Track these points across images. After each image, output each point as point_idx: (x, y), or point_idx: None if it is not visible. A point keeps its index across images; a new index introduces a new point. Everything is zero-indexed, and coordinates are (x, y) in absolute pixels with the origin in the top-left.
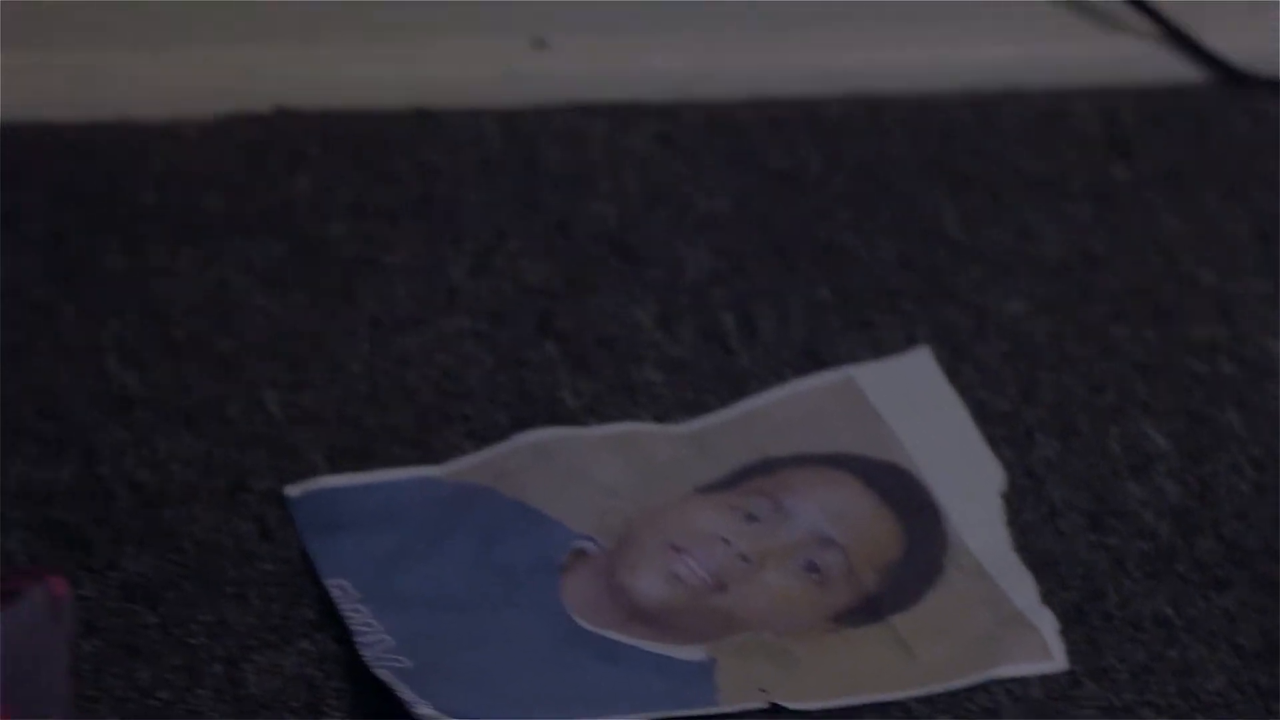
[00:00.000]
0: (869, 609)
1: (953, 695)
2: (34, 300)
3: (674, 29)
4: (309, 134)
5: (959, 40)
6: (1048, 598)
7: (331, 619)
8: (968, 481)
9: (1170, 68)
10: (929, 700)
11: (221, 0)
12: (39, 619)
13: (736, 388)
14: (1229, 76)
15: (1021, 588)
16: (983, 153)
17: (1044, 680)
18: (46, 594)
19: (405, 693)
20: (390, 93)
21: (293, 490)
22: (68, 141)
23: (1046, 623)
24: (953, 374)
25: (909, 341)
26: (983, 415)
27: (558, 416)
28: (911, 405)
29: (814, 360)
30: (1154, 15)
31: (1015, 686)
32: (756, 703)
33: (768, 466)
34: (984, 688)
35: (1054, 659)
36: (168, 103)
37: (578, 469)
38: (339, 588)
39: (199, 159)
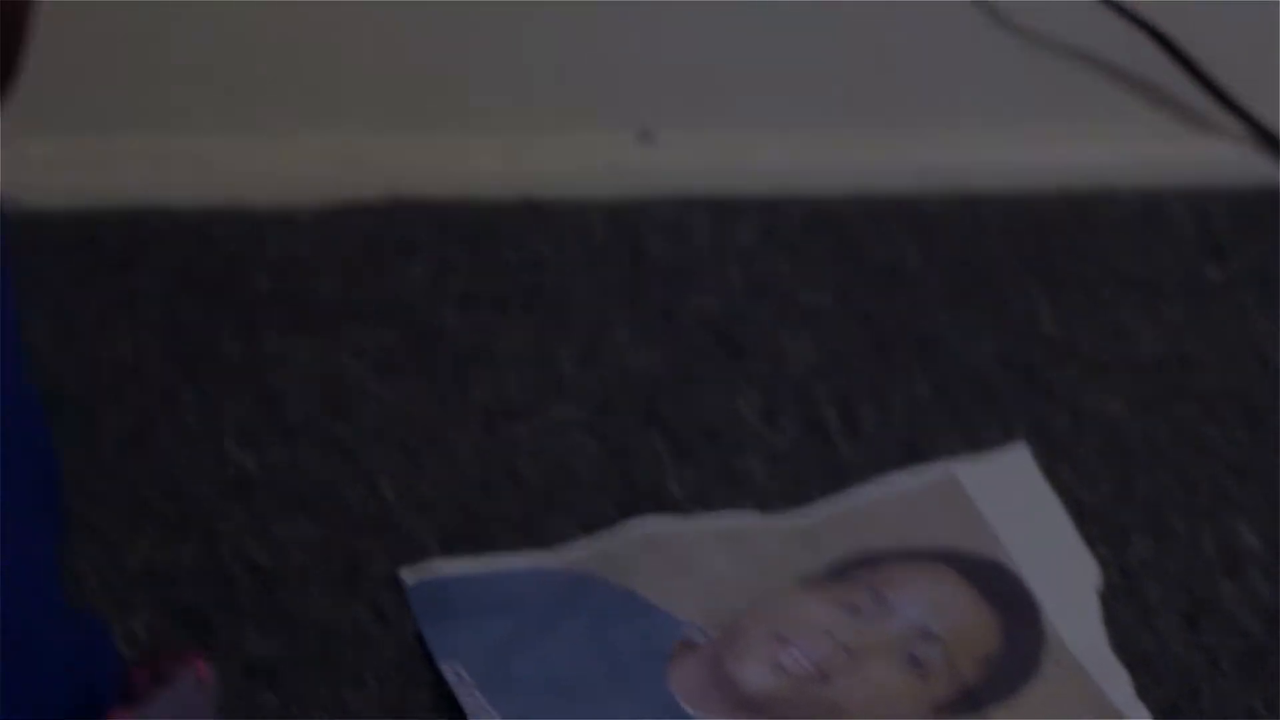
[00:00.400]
0: (968, 702)
1: None
2: (154, 383)
3: (776, 124)
4: (421, 223)
5: (1056, 139)
6: (1143, 694)
7: (447, 702)
8: (1065, 578)
9: (1263, 170)
10: None
11: (336, 89)
12: (190, 700)
13: (838, 479)
14: None
15: (1117, 684)
16: (1079, 251)
17: None
18: (194, 676)
19: None
20: (500, 183)
21: (408, 575)
22: (186, 226)
23: (1142, 719)
24: (1049, 471)
25: (1007, 437)
26: (1079, 512)
27: (664, 505)
28: (1010, 502)
29: (913, 454)
30: (1247, 119)
31: None
32: None
33: (870, 560)
34: None
35: None
36: (283, 190)
37: (685, 559)
38: (454, 671)
39: (314, 246)
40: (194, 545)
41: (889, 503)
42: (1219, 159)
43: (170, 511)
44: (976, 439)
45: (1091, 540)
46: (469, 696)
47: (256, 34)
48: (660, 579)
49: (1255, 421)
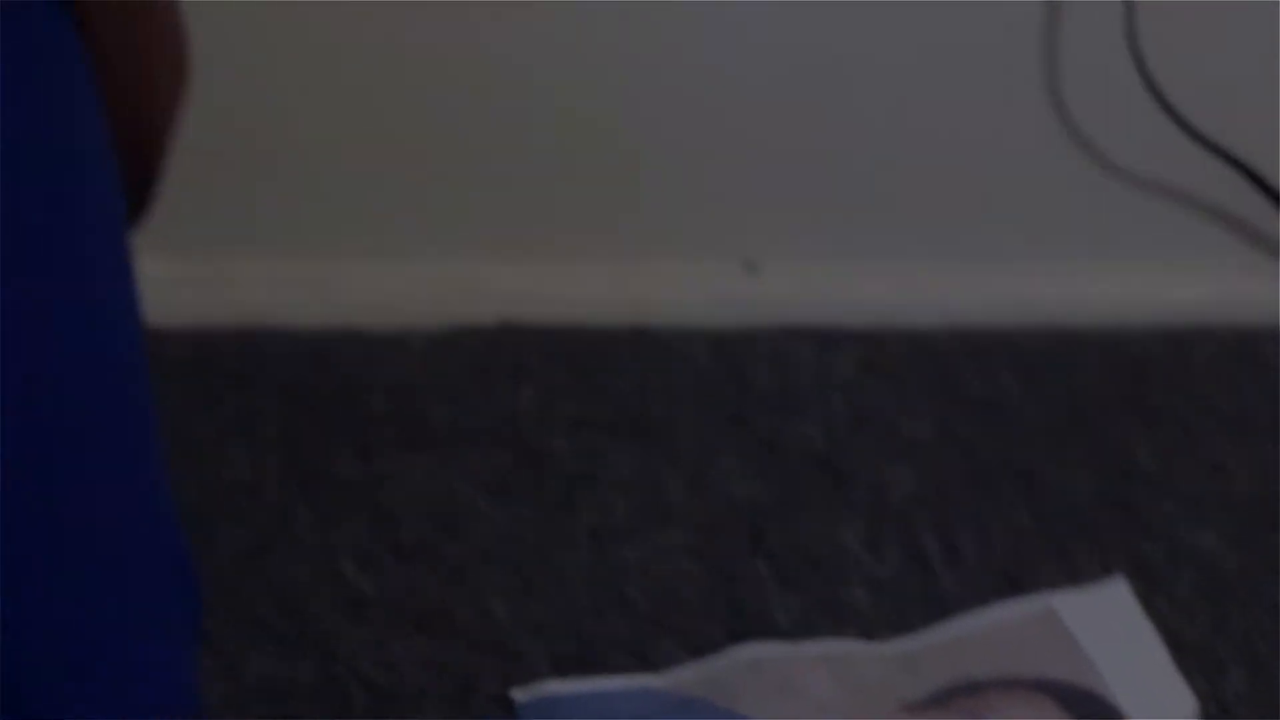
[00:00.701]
0: None
1: None
2: (272, 501)
3: (878, 256)
4: (531, 348)
5: (1153, 276)
6: None
7: None
8: (1162, 710)
9: None
10: None
11: (450, 216)
12: None
13: (939, 607)
14: None
15: None
16: (1174, 387)
17: None
18: None
19: None
20: (608, 310)
21: (519, 694)
22: (303, 347)
23: None
24: (1147, 603)
25: (1104, 570)
26: (1176, 645)
27: (769, 631)
28: (1108, 634)
29: (1013, 584)
30: None
31: None
32: None
33: (971, 688)
34: None
35: None
36: (398, 313)
37: (789, 684)
38: None
39: (427, 369)
40: (311, 662)
41: (989, 632)
42: None
43: (288, 628)
44: (1075, 571)
45: (1188, 672)
46: None
47: (373, 160)
48: (765, 703)
49: None
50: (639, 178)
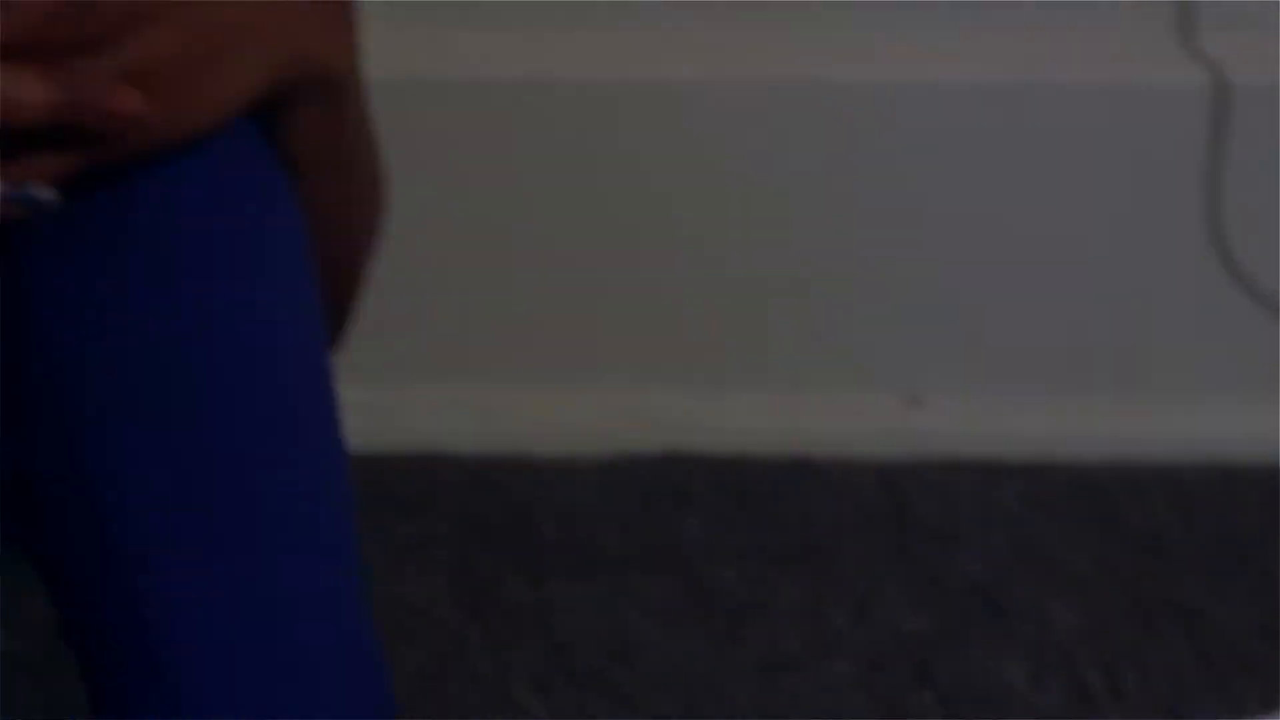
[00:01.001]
0: None
1: None
2: (445, 625)
3: (1040, 391)
4: (697, 477)
5: None
6: None
7: None
8: None
9: None
10: None
11: (618, 345)
12: None
13: None
14: None
15: None
16: None
17: None
18: None
19: None
20: (773, 441)
21: None
22: (475, 473)
23: None
24: None
25: (1266, 707)
26: None
27: None
28: None
29: (1176, 719)
30: None
31: None
32: None
33: None
34: None
35: None
36: (567, 441)
37: None
38: None
39: (595, 496)
40: None
41: None
42: None
43: None
44: (1238, 707)
45: None
46: None
47: (544, 290)
48: None
49: None
50: (805, 310)
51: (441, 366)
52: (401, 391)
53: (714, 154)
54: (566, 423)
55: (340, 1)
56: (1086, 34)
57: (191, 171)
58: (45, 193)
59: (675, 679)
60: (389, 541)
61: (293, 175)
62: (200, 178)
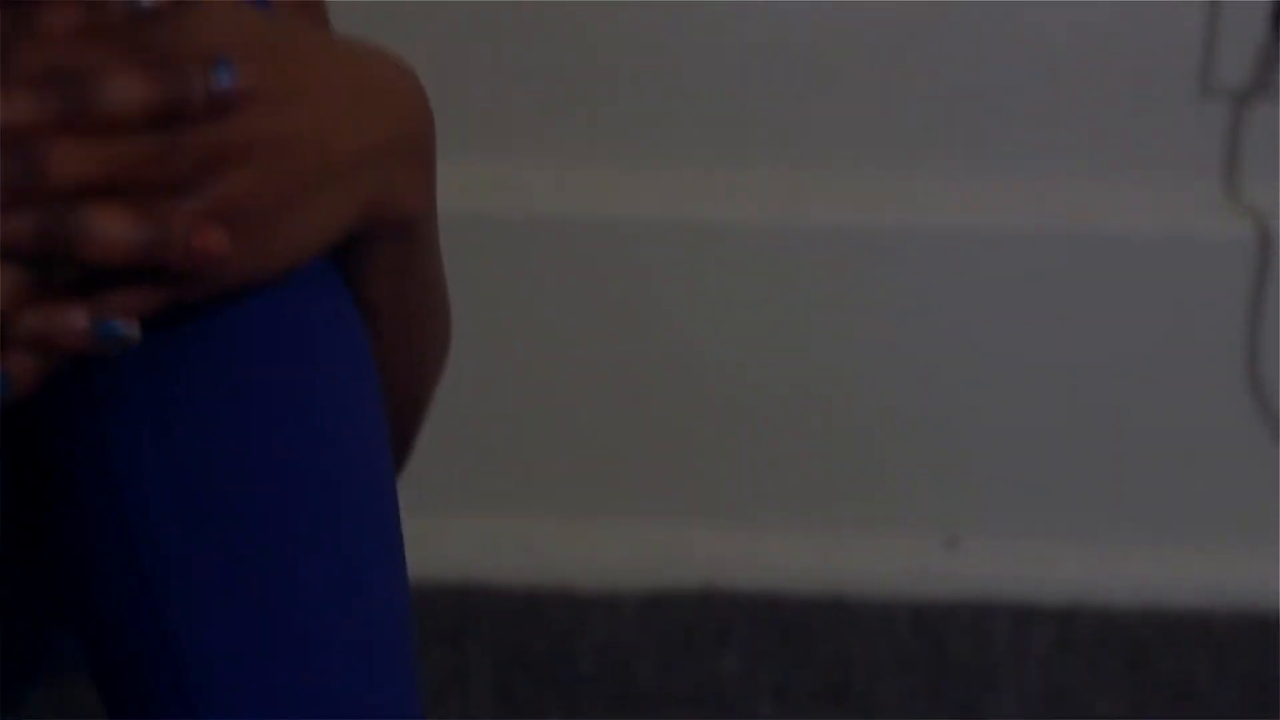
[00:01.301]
0: None
1: None
2: None
3: (1075, 534)
4: (736, 614)
5: None
6: None
7: None
8: None
9: None
10: None
11: (658, 481)
12: None
13: None
14: None
15: None
16: None
17: None
18: None
19: None
20: (810, 579)
21: None
22: (514, 605)
23: None
24: None
25: None
26: None
27: None
28: None
29: None
30: None
31: None
32: None
33: None
34: None
35: None
36: (606, 574)
37: None
38: None
39: (634, 630)
40: None
41: None
42: None
43: None
44: None
45: None
46: None
47: (584, 424)
48: None
49: None
50: (843, 452)
51: (483, 499)
52: (444, 522)
53: (758, 294)
54: (606, 556)
55: (420, 144)
56: (1131, 184)
57: (268, 303)
58: (129, 328)
59: None
60: (430, 671)
61: (364, 308)
62: (276, 309)
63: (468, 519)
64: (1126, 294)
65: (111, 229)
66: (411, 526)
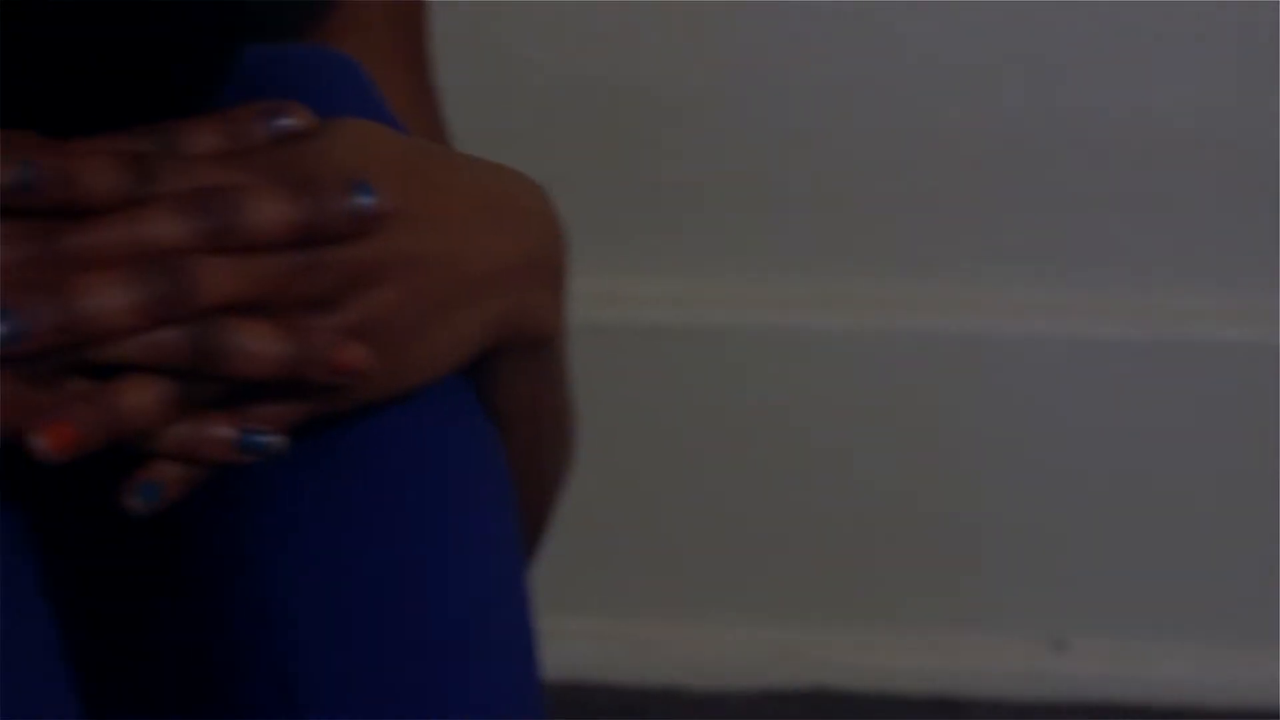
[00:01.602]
0: None
1: None
2: None
3: (1185, 635)
4: (846, 714)
5: None
6: None
7: None
8: None
9: None
10: None
11: (766, 582)
12: None
13: None
14: None
15: None
16: None
17: None
18: None
19: None
20: (918, 679)
21: None
22: (626, 704)
23: None
24: None
25: None
26: None
27: None
28: None
29: None
30: None
31: None
32: None
33: None
34: None
35: None
36: (714, 675)
37: None
38: None
39: None
40: None
41: None
42: None
43: None
44: None
45: None
46: None
47: (693, 526)
48: None
49: None
50: (952, 552)
51: (594, 599)
52: (556, 621)
53: (862, 398)
54: (715, 657)
55: (553, 264)
56: (1214, 291)
57: (405, 415)
58: (273, 439)
59: None
60: None
61: (495, 417)
62: (413, 421)
63: (579, 619)
64: (1226, 398)
65: (257, 345)
66: None
